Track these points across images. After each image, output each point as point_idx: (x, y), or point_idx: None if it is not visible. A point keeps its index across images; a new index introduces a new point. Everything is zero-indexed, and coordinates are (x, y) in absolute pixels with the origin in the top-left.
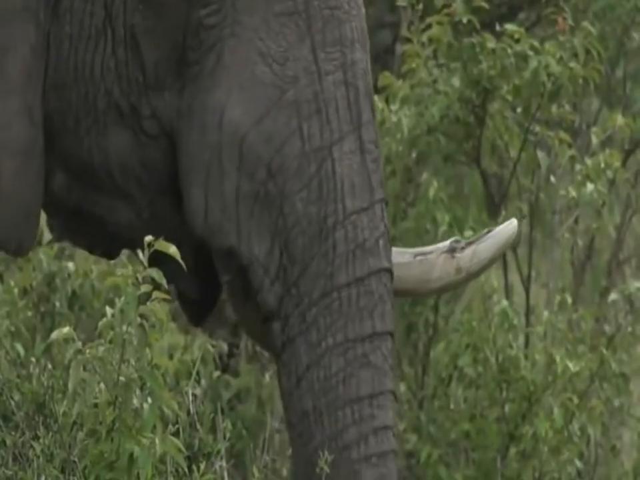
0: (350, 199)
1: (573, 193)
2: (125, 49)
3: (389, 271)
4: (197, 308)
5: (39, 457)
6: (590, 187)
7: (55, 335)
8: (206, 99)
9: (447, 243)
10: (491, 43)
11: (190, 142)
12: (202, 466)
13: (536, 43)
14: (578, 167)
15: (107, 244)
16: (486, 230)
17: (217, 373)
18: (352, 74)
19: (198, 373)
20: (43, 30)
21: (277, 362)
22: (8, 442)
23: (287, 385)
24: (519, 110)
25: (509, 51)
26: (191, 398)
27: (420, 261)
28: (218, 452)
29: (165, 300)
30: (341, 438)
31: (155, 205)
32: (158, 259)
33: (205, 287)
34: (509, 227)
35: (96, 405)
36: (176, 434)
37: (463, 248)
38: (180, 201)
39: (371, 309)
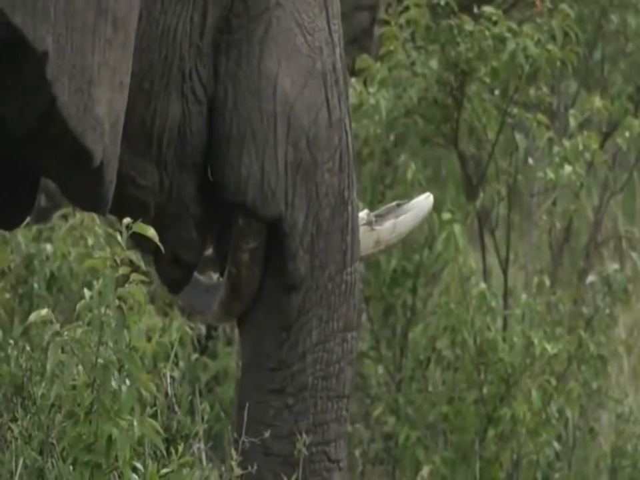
0: (354, 173)
1: (551, 175)
2: (199, 15)
3: None
4: (179, 277)
5: (17, 439)
6: (568, 169)
7: (33, 317)
8: (260, 67)
9: (362, 214)
10: (469, 25)
11: (244, 107)
12: (180, 448)
13: (514, 25)
14: (556, 149)
15: (122, 204)
16: (395, 203)
17: (195, 355)
18: (343, 46)
19: (176, 356)
20: None
21: (281, 332)
22: None
23: (290, 354)
24: (496, 92)
25: (487, 33)
26: (169, 380)
27: None
28: (196, 434)
29: (142, 282)
30: (327, 432)
31: (177, 176)
32: (162, 225)
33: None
34: (426, 200)
35: (74, 387)
36: (154, 416)
37: (377, 221)
38: (200, 177)
39: (358, 302)
